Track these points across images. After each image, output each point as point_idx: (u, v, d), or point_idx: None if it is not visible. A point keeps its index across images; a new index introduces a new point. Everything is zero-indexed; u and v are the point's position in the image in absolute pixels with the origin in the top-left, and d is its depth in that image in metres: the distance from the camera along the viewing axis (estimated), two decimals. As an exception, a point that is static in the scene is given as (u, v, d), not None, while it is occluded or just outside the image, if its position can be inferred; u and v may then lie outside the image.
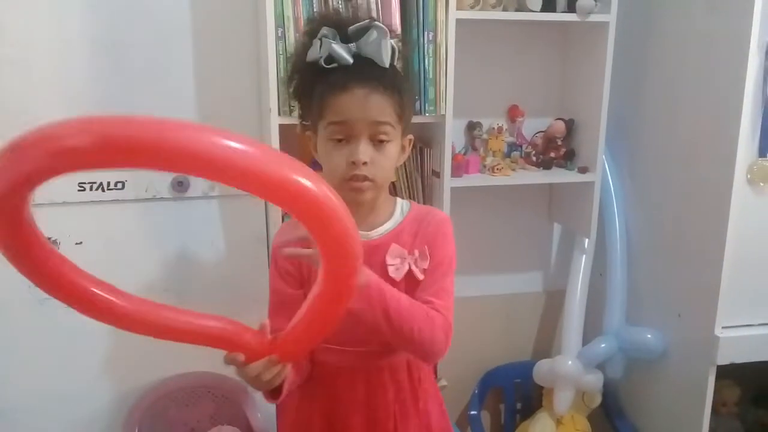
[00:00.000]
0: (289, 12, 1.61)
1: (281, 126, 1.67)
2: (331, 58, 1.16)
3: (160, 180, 1.83)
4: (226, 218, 1.90)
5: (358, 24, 1.18)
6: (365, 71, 1.16)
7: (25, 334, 1.81)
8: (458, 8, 1.74)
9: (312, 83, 1.19)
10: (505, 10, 1.86)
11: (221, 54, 1.86)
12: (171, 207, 1.86)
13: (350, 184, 1.16)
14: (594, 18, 1.87)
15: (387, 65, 1.19)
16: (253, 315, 1.91)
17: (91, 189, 1.78)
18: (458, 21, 1.74)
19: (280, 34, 1.62)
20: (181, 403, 1.96)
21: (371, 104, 1.15)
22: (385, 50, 1.18)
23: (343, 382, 1.26)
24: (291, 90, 1.28)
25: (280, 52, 1.62)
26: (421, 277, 1.23)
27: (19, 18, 1.71)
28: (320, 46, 1.16)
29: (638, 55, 2.01)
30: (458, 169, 1.91)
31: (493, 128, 2.07)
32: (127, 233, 1.84)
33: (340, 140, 1.16)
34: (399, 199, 1.31)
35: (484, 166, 2.01)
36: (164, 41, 1.82)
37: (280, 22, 1.61)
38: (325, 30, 1.17)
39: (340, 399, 1.27)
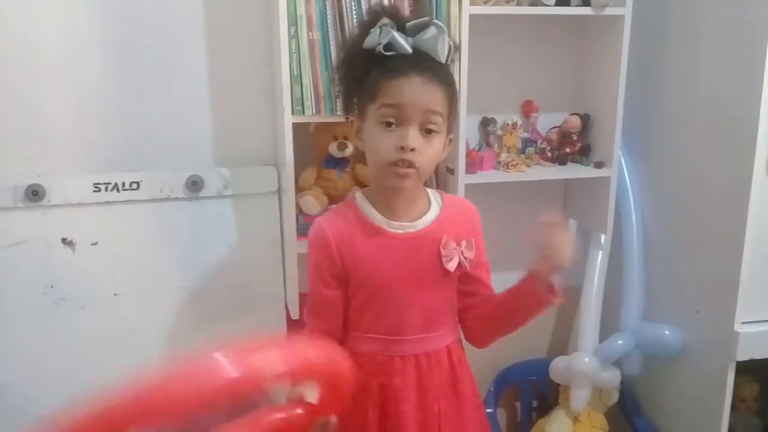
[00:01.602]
0: (301, 11, 1.60)
1: (294, 125, 1.67)
2: (390, 45, 1.20)
3: (175, 180, 1.83)
4: (240, 217, 1.90)
5: (417, 20, 1.22)
6: (423, 62, 1.21)
7: (40, 335, 1.82)
8: (472, 3, 1.72)
9: (366, 68, 1.23)
10: (518, 4, 1.84)
11: (234, 53, 1.85)
12: (185, 206, 1.85)
13: (395, 169, 1.20)
14: (609, 12, 1.85)
15: (444, 61, 1.23)
16: (266, 313, 1.94)
17: (106, 189, 1.78)
18: (471, 16, 1.72)
19: (292, 33, 1.61)
20: (197, 402, 1.96)
21: (426, 92, 1.19)
22: (441, 46, 1.22)
23: (394, 370, 1.30)
24: (339, 76, 1.32)
25: (293, 51, 1.62)
26: (467, 267, 1.31)
27: (29, 17, 1.71)
28: (380, 34, 1.20)
29: (654, 49, 1.99)
30: (472, 166, 1.89)
31: (508, 124, 2.05)
32: (142, 233, 1.84)
33: (390, 124, 1.19)
34: (427, 189, 1.36)
35: (499, 163, 1.99)
36: (176, 40, 1.82)
37: (293, 20, 1.60)
38: (385, 20, 1.21)
39: (393, 386, 1.30)
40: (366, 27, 1.24)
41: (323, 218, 1.34)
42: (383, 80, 1.19)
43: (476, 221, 1.38)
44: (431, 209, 1.32)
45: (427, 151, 1.21)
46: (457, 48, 1.33)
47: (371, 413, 1.31)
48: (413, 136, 1.18)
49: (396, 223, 1.28)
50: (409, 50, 1.20)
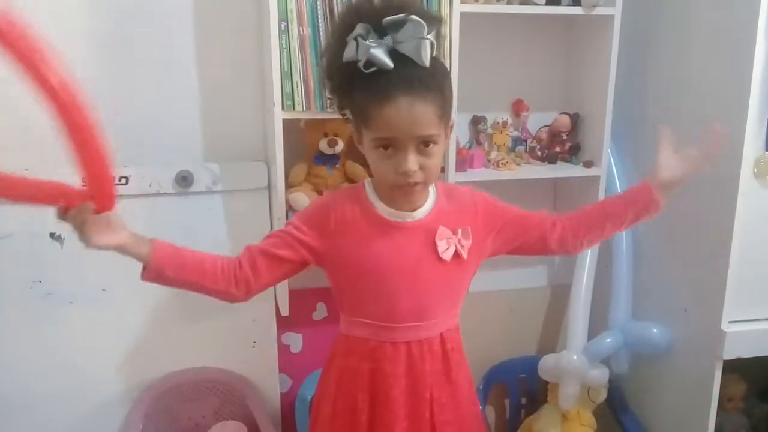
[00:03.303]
0: (292, 6, 1.60)
1: (285, 121, 1.67)
2: (370, 62, 1.14)
3: (164, 175, 1.82)
4: (229, 213, 1.90)
5: (393, 17, 1.15)
6: (407, 74, 1.15)
7: (27, 329, 1.81)
8: (463, 2, 1.73)
9: (351, 84, 1.20)
10: (509, 3, 1.85)
11: (224, 48, 1.85)
12: (174, 202, 1.85)
13: (402, 189, 1.22)
14: (599, 11, 1.86)
15: (428, 64, 1.16)
16: (255, 309, 1.93)
17: (94, 184, 1.77)
18: (462, 14, 1.73)
19: (283, 28, 1.61)
20: (185, 398, 1.96)
21: (416, 115, 1.15)
22: (424, 50, 1.15)
23: (385, 356, 1.31)
24: (329, 90, 1.29)
25: (284, 47, 1.62)
26: (465, 255, 1.31)
27: (16, 11, 1.70)
28: (357, 48, 1.15)
29: (644, 49, 2.00)
30: (462, 164, 1.90)
31: (498, 123, 2.06)
32: (131, 228, 1.83)
33: (387, 147, 1.19)
34: None
35: (489, 161, 2.00)
36: (166, 35, 1.81)
37: (284, 15, 1.60)
38: (359, 29, 1.15)
39: (383, 372, 1.31)
40: (341, 33, 1.19)
41: (332, 196, 1.35)
42: (371, 107, 1.16)
43: (472, 201, 1.36)
44: (429, 199, 1.32)
45: (430, 164, 1.20)
46: (442, 21, 1.28)
47: (361, 396, 1.32)
48: (411, 160, 1.18)
49: (396, 212, 1.29)
50: (390, 65, 1.14)
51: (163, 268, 1.22)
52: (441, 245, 1.29)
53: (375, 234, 1.28)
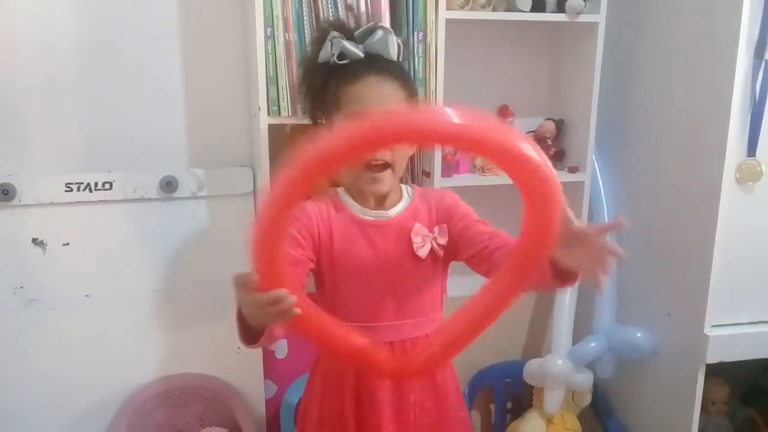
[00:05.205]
0: (278, 12, 1.60)
1: (270, 126, 1.67)
2: (342, 54, 1.30)
3: (149, 180, 1.81)
4: (214, 218, 1.89)
5: (363, 27, 1.33)
6: (376, 62, 1.30)
7: (10, 336, 1.79)
8: (448, 8, 1.73)
9: (325, 80, 1.31)
10: (494, 10, 1.86)
11: (209, 54, 1.85)
12: (159, 207, 1.84)
13: (370, 174, 1.24)
14: (583, 18, 1.87)
15: (396, 58, 1.34)
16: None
17: (78, 189, 1.76)
18: (448, 21, 1.73)
19: (269, 34, 1.61)
20: (169, 405, 1.94)
21: (385, 92, 1.25)
22: (392, 45, 1.33)
23: None
24: (303, 92, 1.40)
25: (269, 52, 1.62)
26: (441, 253, 1.33)
27: (3, 15, 1.69)
28: (331, 46, 1.31)
29: (628, 55, 2.02)
30: (448, 169, 1.90)
31: (483, 128, 2.06)
32: (115, 234, 1.82)
33: None
34: (401, 184, 1.39)
35: (474, 166, 2.00)
36: (151, 40, 1.80)
37: (269, 21, 1.60)
38: (334, 33, 1.32)
39: (368, 373, 1.31)
40: (317, 42, 1.34)
41: (309, 203, 1.33)
42: (342, 87, 1.26)
43: (448, 201, 1.37)
44: (403, 199, 1.36)
45: (398, 147, 1.25)
46: (405, 50, 1.42)
47: (348, 400, 1.33)
48: None
49: (371, 211, 1.31)
50: (361, 55, 1.30)
51: None
52: (417, 242, 1.30)
53: (351, 234, 1.30)
